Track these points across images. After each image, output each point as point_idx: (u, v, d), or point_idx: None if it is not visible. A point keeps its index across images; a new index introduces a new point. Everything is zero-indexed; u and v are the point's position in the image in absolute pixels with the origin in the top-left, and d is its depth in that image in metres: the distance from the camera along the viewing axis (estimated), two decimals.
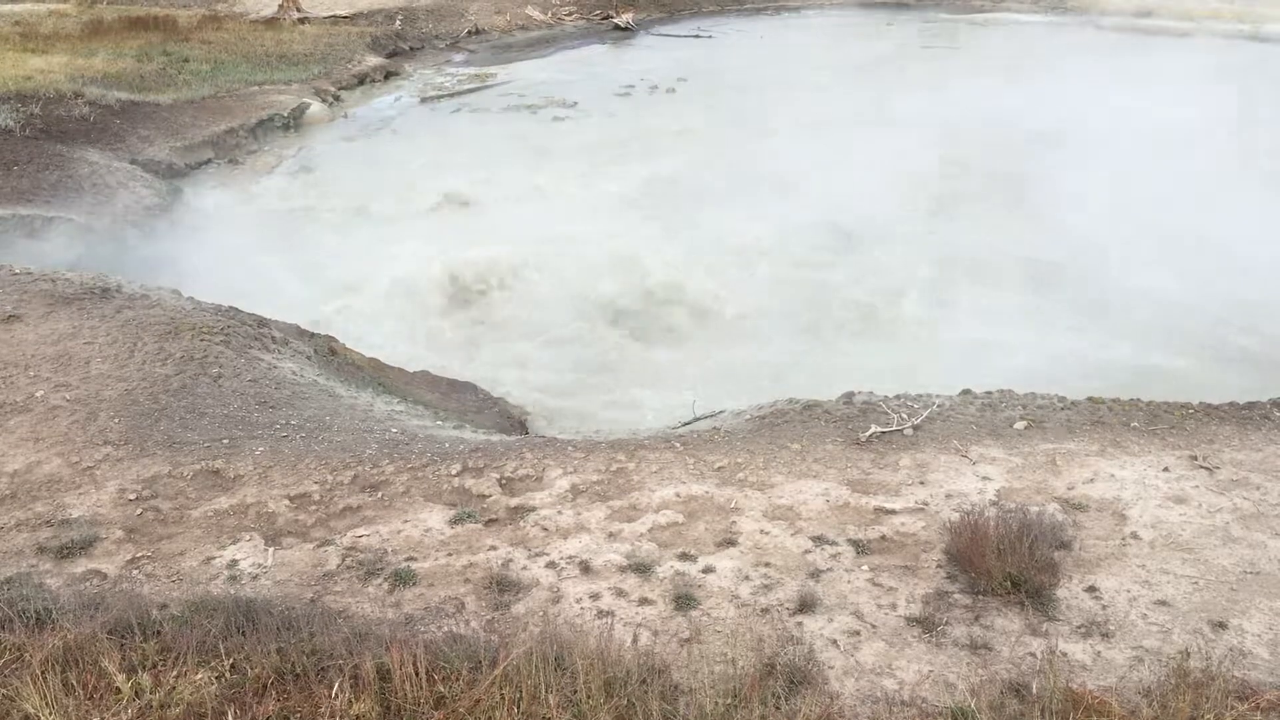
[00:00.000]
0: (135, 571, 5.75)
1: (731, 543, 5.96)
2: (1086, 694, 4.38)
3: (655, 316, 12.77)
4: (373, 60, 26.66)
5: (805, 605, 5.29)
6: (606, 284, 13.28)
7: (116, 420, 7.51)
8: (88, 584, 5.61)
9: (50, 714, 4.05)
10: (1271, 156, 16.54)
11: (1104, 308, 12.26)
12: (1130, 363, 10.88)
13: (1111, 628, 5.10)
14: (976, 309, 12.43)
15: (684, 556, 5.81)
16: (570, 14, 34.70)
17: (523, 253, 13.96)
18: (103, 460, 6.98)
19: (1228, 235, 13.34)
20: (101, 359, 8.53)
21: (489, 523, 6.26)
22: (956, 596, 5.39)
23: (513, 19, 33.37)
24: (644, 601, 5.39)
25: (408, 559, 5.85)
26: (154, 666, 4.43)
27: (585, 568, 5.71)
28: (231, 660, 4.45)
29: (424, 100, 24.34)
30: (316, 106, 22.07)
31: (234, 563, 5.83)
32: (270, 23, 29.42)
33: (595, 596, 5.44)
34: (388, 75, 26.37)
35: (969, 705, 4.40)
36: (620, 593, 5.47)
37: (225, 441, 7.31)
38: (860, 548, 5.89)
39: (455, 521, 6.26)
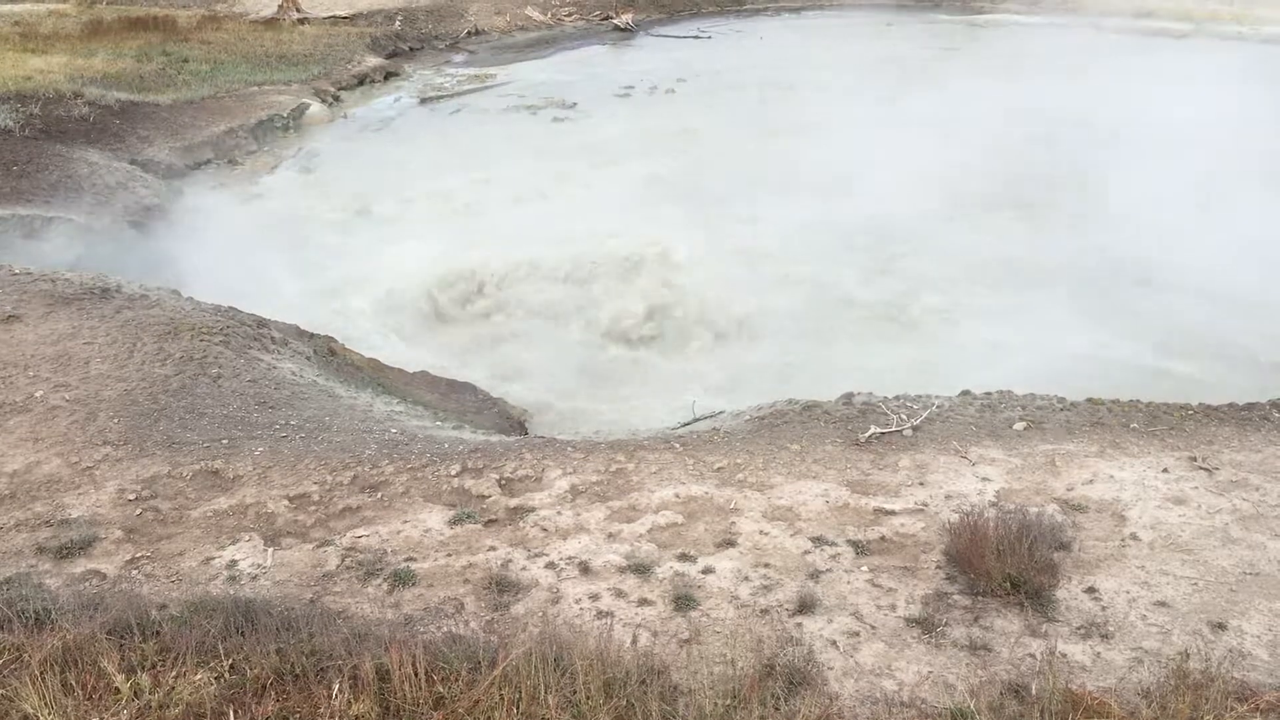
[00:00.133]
0: (134, 572, 5.75)
1: (731, 543, 5.96)
2: (1086, 695, 4.38)
3: (655, 316, 12.77)
4: (372, 61, 26.67)
5: (805, 606, 5.29)
6: (606, 283, 13.28)
7: (116, 420, 7.51)
8: (87, 584, 5.60)
9: (49, 714, 4.05)
10: None
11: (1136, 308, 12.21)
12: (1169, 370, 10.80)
13: (1111, 629, 5.10)
14: (994, 310, 12.42)
15: (683, 557, 5.81)
16: (570, 15, 34.72)
17: (523, 253, 13.97)
18: (102, 460, 6.97)
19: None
20: (101, 359, 8.52)
21: (488, 523, 6.26)
22: (956, 597, 5.39)
23: (512, 20, 33.39)
24: (643, 602, 5.39)
25: (407, 559, 5.85)
26: (153, 667, 4.43)
27: (585, 568, 5.71)
28: (231, 661, 4.45)
29: (424, 101, 24.35)
30: (316, 107, 22.08)
31: (233, 563, 5.83)
32: (270, 23, 29.43)
33: (595, 597, 5.44)
34: (387, 76, 26.39)
35: (968, 706, 4.40)
36: (620, 593, 5.47)
37: (224, 442, 7.31)
38: (860, 548, 5.89)
39: (455, 522, 6.26)
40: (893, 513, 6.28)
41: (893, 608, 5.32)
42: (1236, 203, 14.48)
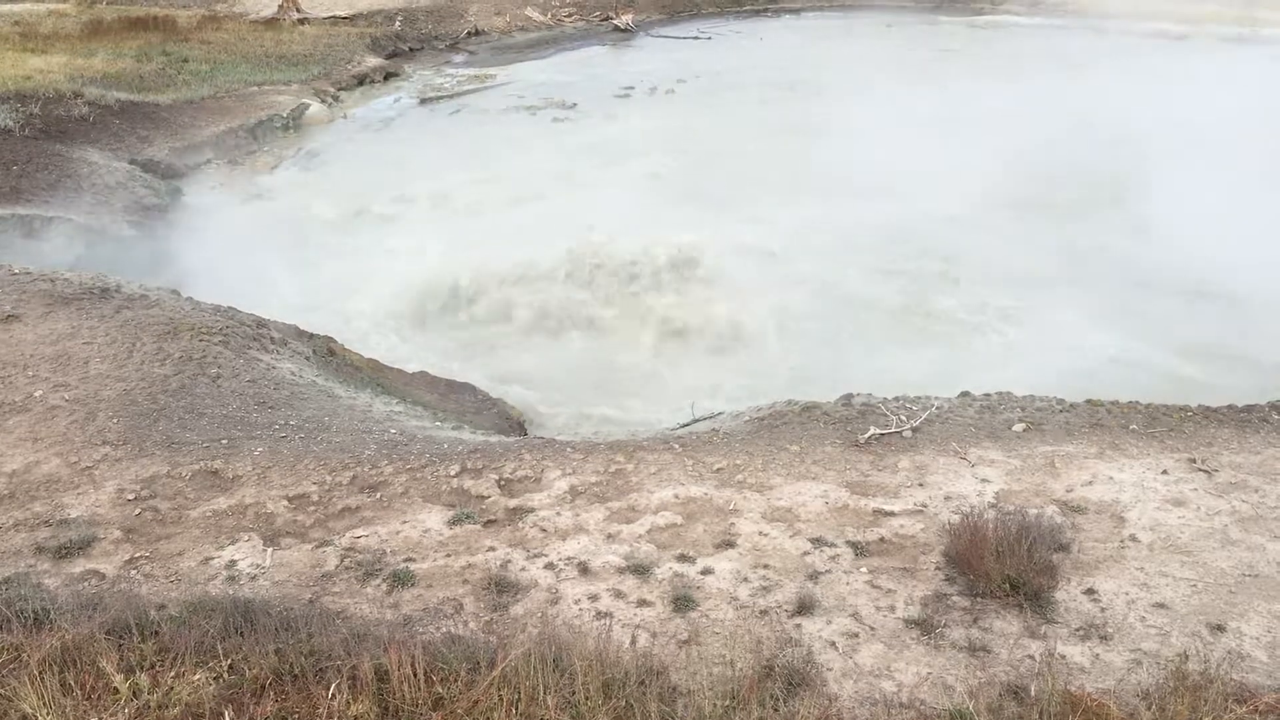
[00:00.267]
0: (133, 572, 5.75)
1: (730, 544, 5.95)
2: (1085, 696, 4.38)
3: (655, 316, 12.77)
4: (372, 61, 26.67)
5: (804, 607, 5.29)
6: (607, 283, 13.28)
7: (115, 420, 7.50)
8: (86, 584, 5.60)
9: (48, 714, 4.05)
10: None
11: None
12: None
13: (1110, 630, 5.10)
14: (1009, 311, 12.41)
15: (682, 558, 5.81)
16: (570, 15, 34.72)
17: (523, 254, 13.96)
18: (101, 460, 6.97)
19: None
20: (100, 359, 8.52)
21: (487, 524, 6.26)
22: (955, 599, 5.39)
23: (512, 20, 33.39)
24: (642, 603, 5.39)
25: (406, 560, 5.84)
26: (152, 667, 4.43)
27: (584, 569, 5.71)
28: (229, 661, 4.45)
29: (423, 101, 24.35)
30: (316, 107, 22.08)
31: (232, 563, 5.83)
32: (270, 23, 29.43)
33: (594, 598, 5.44)
34: (387, 76, 26.38)
35: (967, 707, 4.40)
36: (619, 594, 5.47)
37: (224, 442, 7.31)
38: (859, 549, 5.89)
39: (454, 522, 6.26)
40: (892, 514, 6.28)
41: (892, 609, 5.32)
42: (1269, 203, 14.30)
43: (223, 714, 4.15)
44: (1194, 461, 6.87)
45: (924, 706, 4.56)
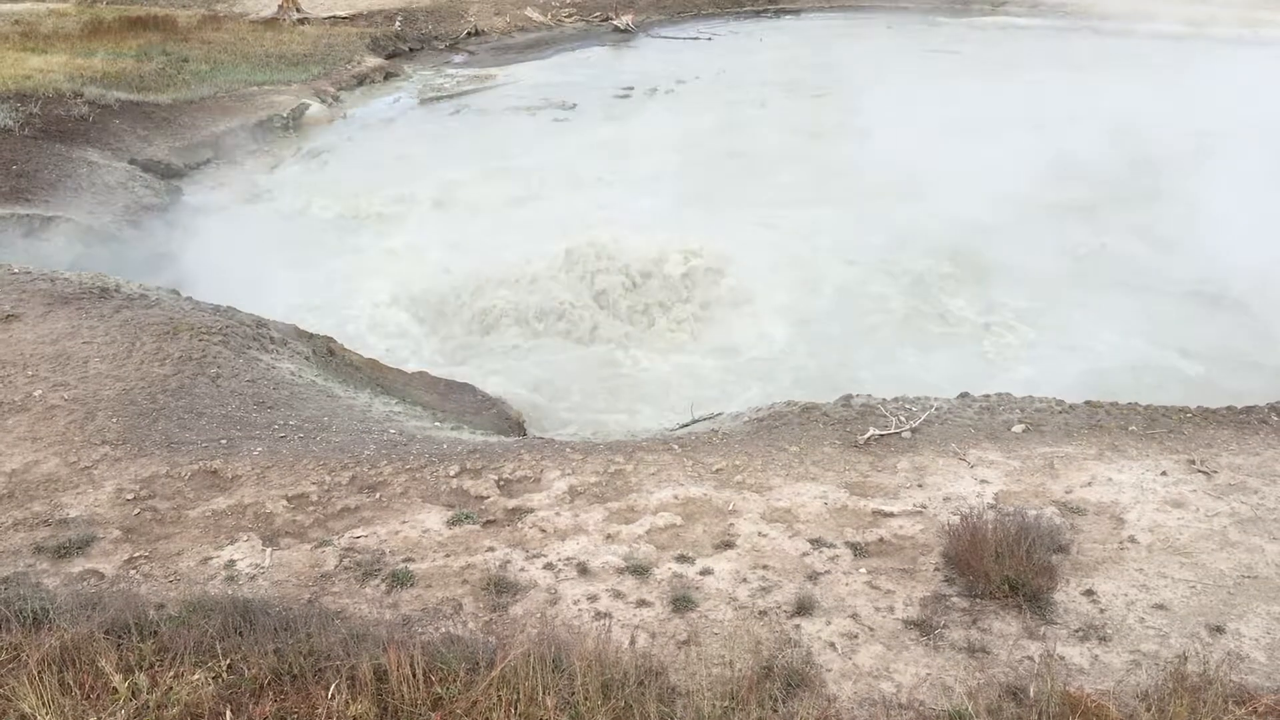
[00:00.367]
0: (132, 571, 5.74)
1: (729, 545, 5.96)
2: (1084, 698, 4.38)
3: (657, 317, 12.77)
4: (372, 61, 26.67)
5: (803, 608, 5.29)
6: (609, 284, 13.27)
7: (114, 420, 7.50)
8: (85, 584, 5.60)
9: (47, 714, 4.05)
10: None
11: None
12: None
13: (1109, 631, 5.11)
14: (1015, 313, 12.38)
15: (682, 559, 5.81)
16: (570, 16, 34.72)
17: (522, 254, 13.96)
18: (100, 460, 6.97)
19: None
20: (100, 359, 8.52)
21: (487, 524, 6.26)
22: (954, 599, 5.39)
23: (512, 20, 33.39)
24: (642, 603, 5.39)
25: (405, 560, 5.84)
26: (151, 667, 4.43)
27: (583, 569, 5.71)
28: (229, 661, 4.45)
29: (423, 101, 24.36)
30: (316, 107, 22.08)
31: (231, 563, 5.83)
32: (270, 23, 29.43)
33: (593, 598, 5.44)
34: (387, 76, 26.39)
35: (966, 708, 4.40)
36: (618, 594, 5.47)
37: (223, 442, 7.30)
38: (858, 550, 5.89)
39: (453, 523, 6.26)
40: (891, 515, 6.28)
41: (891, 610, 5.32)
42: None
43: (222, 714, 4.15)
44: (1193, 463, 6.87)
45: (923, 707, 4.56)
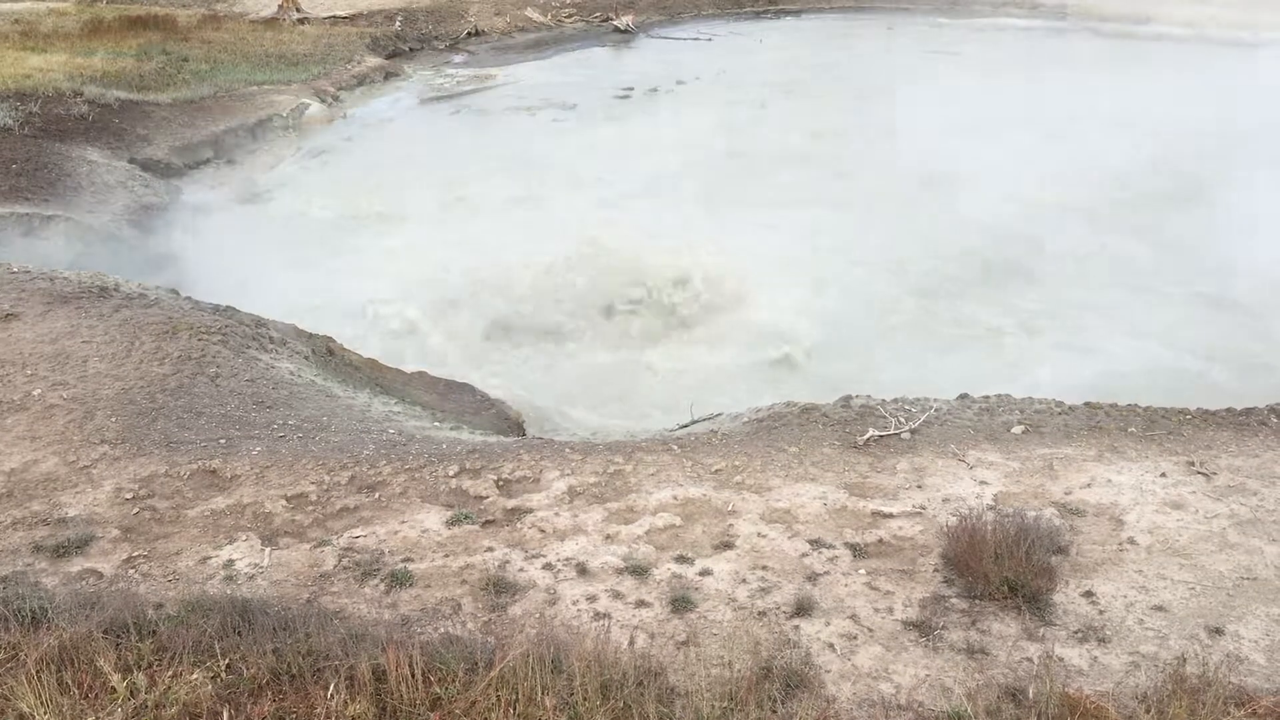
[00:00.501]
0: (131, 571, 5.74)
1: (729, 545, 5.95)
2: (1083, 699, 4.38)
3: (654, 316, 12.77)
4: (372, 61, 26.65)
5: (802, 608, 5.29)
6: (609, 283, 13.27)
7: (113, 419, 7.50)
8: (84, 583, 5.59)
9: (45, 713, 4.04)
10: None
11: None
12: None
13: (1108, 633, 5.10)
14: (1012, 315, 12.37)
15: (681, 559, 5.80)
16: (570, 16, 34.70)
17: (521, 254, 13.95)
18: (99, 459, 6.96)
19: None
20: (99, 358, 8.51)
21: (486, 524, 6.25)
22: (953, 601, 5.39)
23: (512, 21, 33.38)
24: (641, 604, 5.39)
25: (404, 560, 5.84)
26: (149, 666, 4.43)
27: (582, 570, 5.71)
28: (227, 660, 4.45)
29: (423, 101, 24.36)
30: (316, 107, 22.07)
31: (230, 563, 5.82)
32: (270, 23, 29.41)
33: (592, 599, 5.44)
34: (387, 76, 26.36)
35: (965, 710, 4.40)
36: (617, 595, 5.47)
37: (222, 441, 7.30)
38: (857, 551, 5.89)
39: (452, 523, 6.26)
40: (890, 516, 6.28)
41: (890, 611, 5.32)
42: None
43: (220, 714, 4.15)
44: (1193, 464, 6.88)
45: (922, 708, 4.56)
